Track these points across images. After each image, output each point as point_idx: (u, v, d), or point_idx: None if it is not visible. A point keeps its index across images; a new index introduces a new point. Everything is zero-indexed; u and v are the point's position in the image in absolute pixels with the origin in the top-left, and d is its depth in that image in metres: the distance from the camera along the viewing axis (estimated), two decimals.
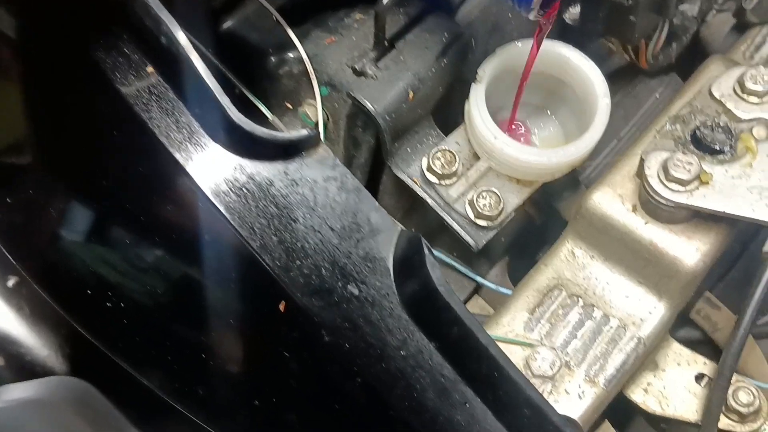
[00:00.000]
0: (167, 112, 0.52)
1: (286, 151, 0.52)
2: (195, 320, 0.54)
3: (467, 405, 0.51)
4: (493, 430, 0.51)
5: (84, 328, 0.59)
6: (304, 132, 0.52)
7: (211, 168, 0.51)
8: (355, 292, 0.51)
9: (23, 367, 1.01)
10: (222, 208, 0.51)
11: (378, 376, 0.51)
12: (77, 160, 0.56)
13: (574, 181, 0.72)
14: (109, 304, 0.56)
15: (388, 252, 0.52)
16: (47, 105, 0.57)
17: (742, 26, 0.81)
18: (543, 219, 0.75)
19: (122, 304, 0.55)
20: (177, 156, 0.51)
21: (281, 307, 0.51)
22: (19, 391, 1.00)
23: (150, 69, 0.52)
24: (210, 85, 0.50)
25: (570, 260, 0.67)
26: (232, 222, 0.51)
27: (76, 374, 1.04)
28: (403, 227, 0.53)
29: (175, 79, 0.52)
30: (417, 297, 0.51)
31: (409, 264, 0.51)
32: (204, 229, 0.52)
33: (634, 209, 0.64)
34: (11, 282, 1.04)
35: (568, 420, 0.54)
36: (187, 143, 0.51)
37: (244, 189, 0.51)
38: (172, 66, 0.51)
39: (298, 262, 0.51)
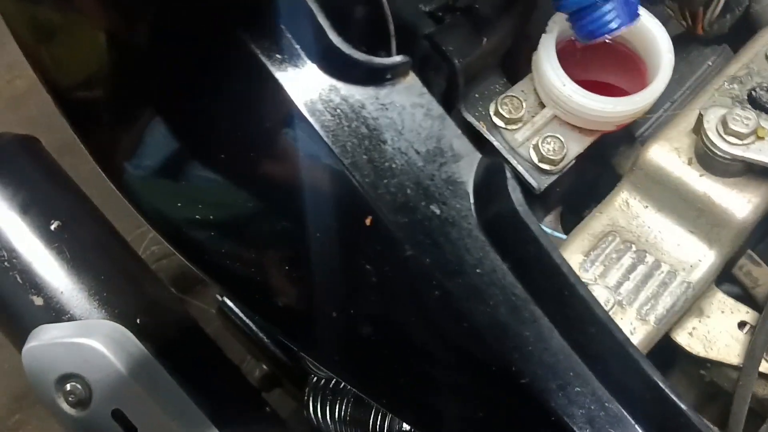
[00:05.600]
0: (268, 33, 0.55)
1: (379, 76, 0.56)
2: (283, 233, 0.58)
3: (535, 323, 0.54)
4: (559, 346, 0.54)
5: (170, 242, 0.62)
6: (397, 59, 0.56)
7: (308, 88, 0.55)
8: (437, 211, 0.55)
9: (61, 309, 1.05)
10: (317, 126, 0.54)
11: (454, 291, 0.54)
12: (174, 79, 0.60)
13: (630, 137, 0.75)
14: (198, 217, 0.59)
15: (468, 176, 0.56)
16: (145, 26, 0.60)
17: None
18: (596, 174, 0.78)
19: (212, 217, 0.59)
20: (277, 75, 0.55)
21: (368, 221, 0.55)
22: (56, 331, 1.04)
23: None
24: (312, 7, 0.53)
25: (624, 209, 0.70)
26: (326, 139, 0.54)
27: (113, 319, 1.07)
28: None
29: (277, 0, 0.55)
30: (495, 218, 0.55)
31: (489, 187, 0.55)
32: (299, 146, 0.55)
33: (690, 162, 0.68)
34: (54, 225, 1.08)
35: None
36: (287, 63, 0.55)
37: (338, 110, 0.55)
38: None
39: (385, 181, 0.55)
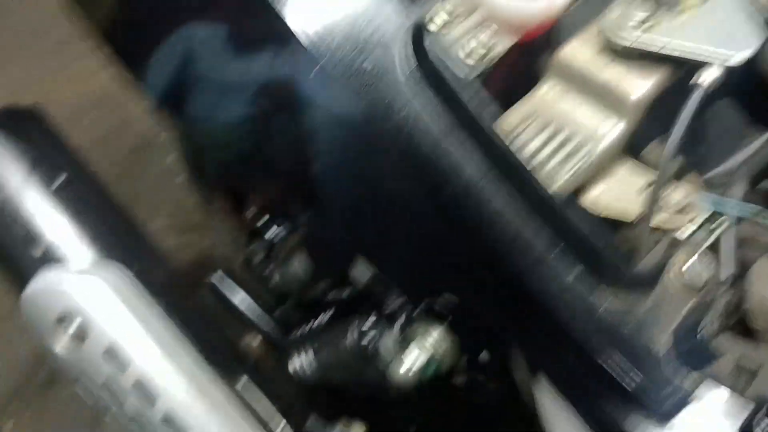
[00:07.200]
0: None
1: None
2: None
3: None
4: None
5: None
6: None
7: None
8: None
9: (60, 259, 1.15)
10: None
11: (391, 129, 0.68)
12: None
13: (554, 43, 0.88)
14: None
15: None
16: None
17: None
18: (526, 78, 0.91)
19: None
20: None
21: None
22: (57, 271, 1.14)
23: None
24: None
25: (546, 97, 0.83)
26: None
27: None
28: None
29: None
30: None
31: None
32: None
33: (598, 53, 0.81)
34: (59, 181, 1.20)
35: None
36: None
37: None
38: None
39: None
